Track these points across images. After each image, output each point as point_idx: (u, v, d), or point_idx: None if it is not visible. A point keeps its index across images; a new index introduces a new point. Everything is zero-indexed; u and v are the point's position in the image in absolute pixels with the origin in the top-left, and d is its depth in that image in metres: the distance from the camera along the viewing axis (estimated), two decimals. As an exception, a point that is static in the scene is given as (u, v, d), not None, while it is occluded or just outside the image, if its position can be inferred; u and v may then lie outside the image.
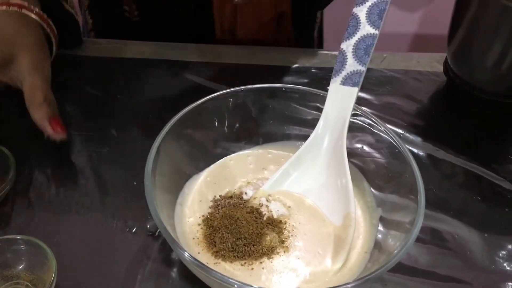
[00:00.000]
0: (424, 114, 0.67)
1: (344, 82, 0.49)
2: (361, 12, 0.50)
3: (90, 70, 0.71)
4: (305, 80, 0.70)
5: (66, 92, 0.67)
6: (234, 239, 0.45)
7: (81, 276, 0.47)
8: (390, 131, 0.49)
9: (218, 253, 0.45)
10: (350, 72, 0.49)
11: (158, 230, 0.51)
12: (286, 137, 0.56)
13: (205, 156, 0.53)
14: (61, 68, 0.70)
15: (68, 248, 0.49)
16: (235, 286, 0.36)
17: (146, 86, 0.69)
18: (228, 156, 0.54)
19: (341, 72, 0.49)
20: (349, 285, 0.37)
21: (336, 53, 0.50)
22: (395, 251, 0.41)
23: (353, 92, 0.49)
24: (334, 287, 0.37)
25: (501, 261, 0.51)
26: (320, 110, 0.51)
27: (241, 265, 0.44)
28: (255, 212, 0.47)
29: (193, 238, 0.46)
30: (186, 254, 0.38)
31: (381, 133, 0.50)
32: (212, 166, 0.53)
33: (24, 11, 0.59)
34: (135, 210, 0.53)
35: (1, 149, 0.53)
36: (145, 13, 0.77)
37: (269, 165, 0.53)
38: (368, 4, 0.49)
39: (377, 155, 0.52)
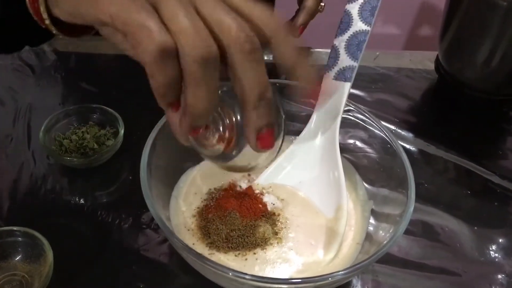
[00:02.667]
0: (416, 111, 0.68)
1: (337, 77, 0.50)
2: (354, 9, 0.50)
3: (84, 66, 0.71)
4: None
5: (61, 86, 0.68)
6: (228, 231, 0.46)
7: (77, 268, 0.48)
8: (383, 126, 0.50)
9: (213, 244, 0.45)
10: (343, 67, 0.50)
11: (153, 223, 0.51)
12: (279, 132, 0.57)
13: (200, 150, 0.54)
14: (57, 64, 0.71)
15: (64, 240, 0.50)
16: (230, 274, 0.37)
17: (141, 81, 0.69)
18: (222, 150, 0.55)
19: (333, 68, 0.50)
20: (339, 273, 0.38)
21: (328, 50, 0.51)
22: (385, 242, 0.42)
23: (346, 87, 0.50)
24: (324, 275, 0.37)
25: (490, 253, 0.52)
26: (313, 106, 0.52)
27: (235, 255, 0.45)
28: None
29: (188, 230, 0.47)
30: (183, 245, 0.39)
31: (373, 129, 0.51)
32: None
33: None
34: (130, 204, 0.53)
35: None
36: None
37: (263, 159, 0.54)
38: (360, 1, 0.50)
39: (369, 150, 0.53)
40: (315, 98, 0.43)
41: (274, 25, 0.32)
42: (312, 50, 0.76)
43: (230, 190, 0.50)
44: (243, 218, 0.47)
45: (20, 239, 0.46)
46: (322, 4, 0.68)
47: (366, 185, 0.52)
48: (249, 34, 0.30)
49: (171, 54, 0.29)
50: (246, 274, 0.37)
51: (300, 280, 0.38)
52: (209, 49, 0.29)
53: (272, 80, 0.54)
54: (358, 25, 0.50)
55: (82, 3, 0.31)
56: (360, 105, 0.52)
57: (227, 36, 0.30)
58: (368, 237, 0.48)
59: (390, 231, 0.44)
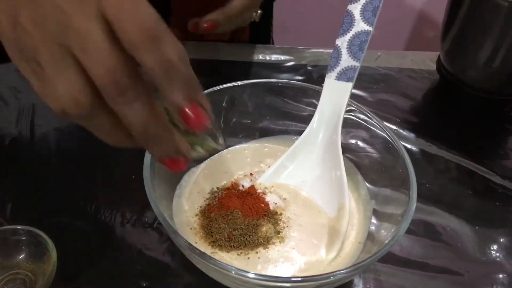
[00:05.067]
0: (418, 111, 0.68)
1: (339, 77, 0.50)
2: (356, 9, 0.51)
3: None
4: (301, 77, 0.71)
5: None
6: (230, 230, 0.46)
7: (80, 267, 0.48)
8: (385, 126, 0.50)
9: (215, 243, 0.46)
10: (345, 67, 0.50)
11: (156, 222, 0.52)
12: (282, 132, 0.57)
13: (202, 149, 0.54)
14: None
15: (68, 239, 0.50)
16: (233, 272, 0.37)
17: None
18: (225, 150, 0.55)
19: (336, 68, 0.50)
20: (341, 272, 0.38)
21: (330, 50, 0.51)
22: (386, 241, 0.42)
23: (348, 87, 0.50)
24: (326, 274, 0.38)
25: (492, 253, 0.52)
26: (315, 106, 0.52)
27: (237, 254, 0.45)
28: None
29: (191, 229, 0.47)
30: (186, 243, 0.39)
31: (375, 129, 0.51)
32: (210, 159, 0.54)
33: None
34: (133, 203, 0.53)
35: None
36: None
37: (266, 159, 0.54)
38: (362, 1, 0.51)
39: (371, 150, 0.53)
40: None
41: (137, 35, 0.27)
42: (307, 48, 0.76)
43: (232, 190, 0.50)
44: (245, 217, 0.47)
45: (23, 238, 0.46)
46: (259, 11, 0.67)
47: (368, 184, 0.52)
48: (115, 78, 0.28)
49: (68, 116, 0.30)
50: (248, 272, 0.37)
51: (301, 279, 0.38)
52: (75, 108, 0.29)
53: (274, 80, 0.55)
54: (360, 25, 0.50)
55: None
56: (362, 105, 0.52)
57: (97, 84, 0.28)
58: (370, 236, 0.48)
59: (392, 230, 0.44)
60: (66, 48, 0.28)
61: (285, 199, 0.50)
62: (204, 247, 0.46)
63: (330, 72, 0.51)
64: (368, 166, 0.53)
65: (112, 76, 0.28)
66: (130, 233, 0.51)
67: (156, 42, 0.28)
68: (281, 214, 0.48)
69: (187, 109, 0.30)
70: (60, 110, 0.29)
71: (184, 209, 0.49)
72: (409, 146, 0.62)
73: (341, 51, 0.50)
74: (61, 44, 0.28)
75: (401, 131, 0.65)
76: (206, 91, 0.52)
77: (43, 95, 0.30)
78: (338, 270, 0.38)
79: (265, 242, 0.46)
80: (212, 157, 0.54)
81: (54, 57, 0.28)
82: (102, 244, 0.50)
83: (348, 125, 0.52)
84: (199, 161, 0.53)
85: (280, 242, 0.46)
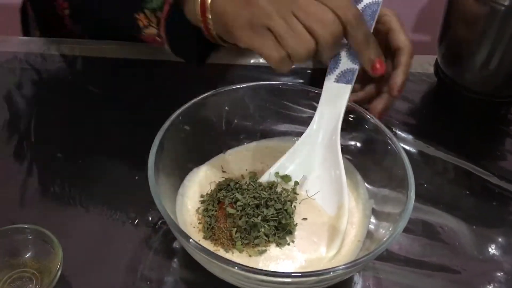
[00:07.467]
0: (416, 113, 0.69)
1: (338, 80, 0.51)
2: (355, 13, 0.52)
3: (91, 70, 0.73)
4: (301, 81, 0.72)
5: (69, 89, 0.69)
6: (232, 228, 0.47)
7: (85, 265, 0.49)
8: (384, 128, 0.51)
9: (217, 241, 0.47)
10: (344, 70, 0.51)
11: (159, 222, 0.53)
12: (282, 134, 0.58)
13: (204, 149, 0.55)
14: (64, 68, 0.72)
15: (73, 238, 0.51)
16: (236, 268, 0.38)
17: (147, 84, 0.71)
18: (227, 151, 0.56)
19: (335, 70, 0.52)
20: (340, 268, 0.39)
21: (330, 54, 0.52)
22: (384, 239, 0.43)
23: (347, 89, 0.51)
24: (326, 269, 0.39)
25: (489, 251, 0.53)
26: (315, 108, 0.53)
27: (240, 252, 0.46)
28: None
29: (194, 227, 0.48)
30: (191, 241, 0.40)
31: (374, 130, 0.52)
32: (212, 159, 0.55)
33: None
34: (136, 203, 0.54)
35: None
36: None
37: (267, 159, 0.55)
38: (360, 6, 0.52)
39: (370, 151, 0.54)
40: (378, 72, 0.50)
41: (349, 14, 0.46)
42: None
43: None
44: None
45: (30, 236, 0.47)
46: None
47: (367, 184, 0.53)
48: (332, 31, 0.46)
49: (286, 60, 0.47)
50: (251, 267, 0.38)
51: (302, 274, 0.39)
52: (307, 45, 0.46)
53: (275, 82, 0.56)
54: (359, 29, 0.51)
55: (224, 33, 0.50)
56: (361, 107, 0.53)
57: (321, 25, 0.46)
58: (369, 235, 0.49)
59: (390, 229, 0.45)
60: (293, 14, 0.46)
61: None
62: (206, 245, 0.47)
63: (330, 74, 0.52)
64: (367, 166, 0.54)
65: (329, 30, 0.46)
66: (133, 233, 0.52)
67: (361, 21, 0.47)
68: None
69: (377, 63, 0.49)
70: (297, 54, 0.46)
71: (187, 208, 0.50)
72: (407, 147, 0.63)
73: (340, 54, 0.51)
74: (291, 11, 0.46)
75: (399, 132, 0.66)
76: (209, 93, 0.53)
77: (270, 50, 0.47)
78: (338, 266, 0.39)
79: (267, 240, 0.47)
80: (214, 157, 0.55)
81: (286, 21, 0.46)
82: (106, 243, 0.51)
83: (348, 126, 0.53)
84: (201, 161, 0.54)
85: (281, 240, 0.47)
